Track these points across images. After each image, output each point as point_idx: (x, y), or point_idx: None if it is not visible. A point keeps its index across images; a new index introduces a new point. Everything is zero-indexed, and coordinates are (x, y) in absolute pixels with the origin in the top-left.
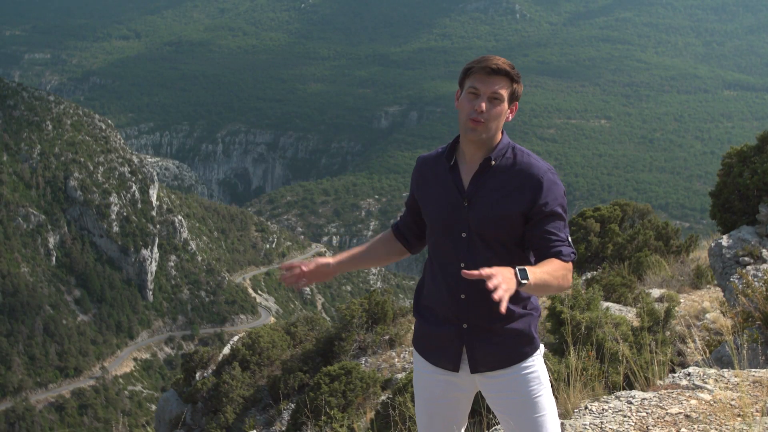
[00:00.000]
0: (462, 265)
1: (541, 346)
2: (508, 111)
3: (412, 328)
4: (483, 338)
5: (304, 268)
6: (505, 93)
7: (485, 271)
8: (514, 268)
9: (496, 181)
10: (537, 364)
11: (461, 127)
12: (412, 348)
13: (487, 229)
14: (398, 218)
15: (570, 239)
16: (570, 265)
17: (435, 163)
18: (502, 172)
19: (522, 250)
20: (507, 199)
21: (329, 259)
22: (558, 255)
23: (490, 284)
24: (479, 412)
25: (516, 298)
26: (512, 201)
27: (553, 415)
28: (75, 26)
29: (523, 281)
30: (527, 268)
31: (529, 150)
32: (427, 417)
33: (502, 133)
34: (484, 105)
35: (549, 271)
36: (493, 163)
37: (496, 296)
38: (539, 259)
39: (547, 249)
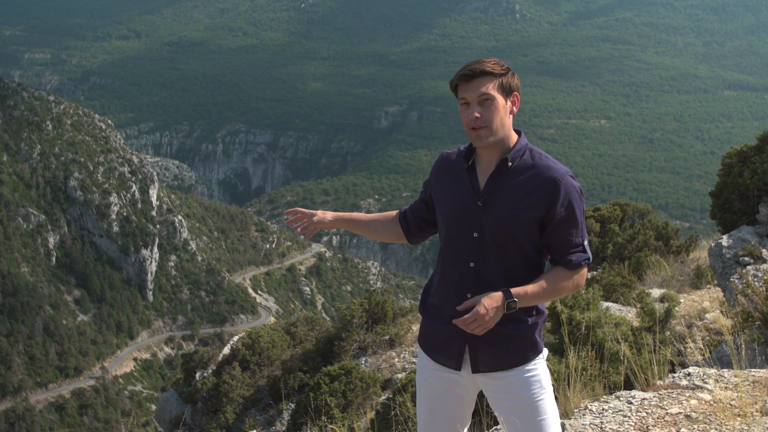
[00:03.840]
0: (471, 264)
1: (545, 350)
2: (509, 104)
3: (413, 328)
4: (486, 339)
5: (306, 223)
6: (493, 90)
7: (468, 304)
8: (503, 294)
9: (513, 183)
10: (539, 368)
11: (469, 137)
12: (412, 348)
13: (500, 230)
14: (408, 205)
15: (586, 242)
16: (578, 271)
17: (455, 161)
18: (519, 174)
19: (535, 253)
20: (523, 202)
21: (328, 215)
22: (567, 264)
23: (464, 327)
24: (479, 412)
25: None
26: (529, 204)
27: (554, 419)
28: (75, 26)
29: (511, 310)
30: (514, 291)
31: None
32: (429, 414)
33: (520, 134)
34: (476, 112)
35: (543, 284)
36: (510, 164)
37: (468, 330)
38: (552, 265)
39: (558, 257)
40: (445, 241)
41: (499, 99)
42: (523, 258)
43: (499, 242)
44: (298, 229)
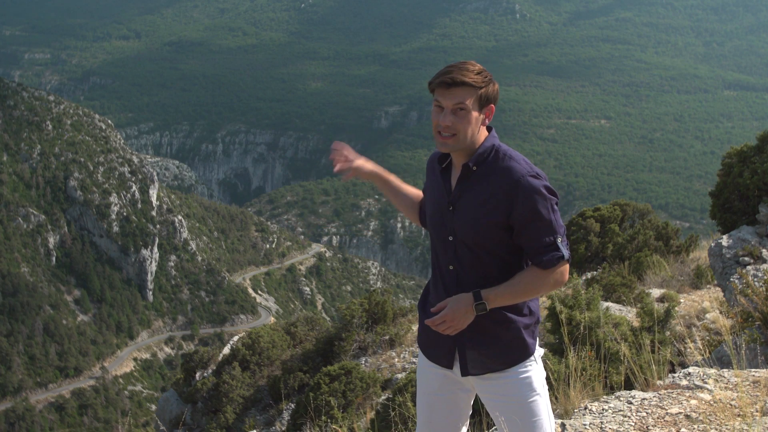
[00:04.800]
0: (451, 267)
1: (538, 351)
2: (482, 116)
3: (413, 328)
4: (475, 340)
5: (348, 163)
6: (469, 102)
7: (440, 306)
8: (473, 296)
9: (477, 187)
10: (531, 371)
11: (435, 139)
12: (412, 348)
13: (468, 235)
14: None
15: (560, 240)
16: (553, 270)
17: (436, 163)
18: (483, 178)
19: (510, 256)
20: (486, 206)
21: (368, 166)
22: (540, 264)
23: (435, 328)
24: (479, 412)
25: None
26: (491, 208)
27: (547, 421)
28: (75, 26)
29: (483, 310)
30: (484, 293)
31: (516, 152)
32: (428, 410)
33: (490, 131)
34: (448, 119)
35: (515, 285)
36: (474, 168)
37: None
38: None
39: (531, 257)
40: (431, 242)
41: (474, 112)
42: (497, 261)
43: (470, 246)
44: (336, 166)
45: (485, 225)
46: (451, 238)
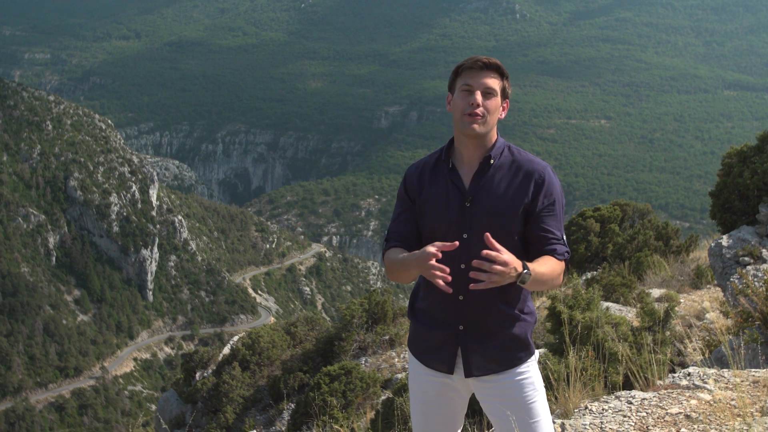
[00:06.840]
0: (462, 266)
1: (536, 352)
2: (501, 108)
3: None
4: (478, 341)
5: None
6: (497, 87)
7: (496, 252)
8: (522, 262)
9: (497, 179)
10: (531, 370)
11: (457, 125)
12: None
13: (490, 227)
14: (390, 239)
15: (565, 237)
16: (563, 264)
17: (431, 168)
18: (502, 170)
19: (522, 248)
20: (509, 196)
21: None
22: (553, 253)
23: (487, 268)
24: (479, 411)
25: (513, 302)
26: (514, 197)
27: (547, 421)
28: (75, 26)
29: (524, 281)
30: (529, 265)
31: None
32: (423, 417)
33: (497, 133)
34: (479, 97)
35: (547, 269)
36: (493, 161)
37: (480, 276)
38: (534, 256)
39: (542, 246)
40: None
41: (499, 98)
42: (512, 253)
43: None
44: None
45: (508, 214)
46: (466, 236)
